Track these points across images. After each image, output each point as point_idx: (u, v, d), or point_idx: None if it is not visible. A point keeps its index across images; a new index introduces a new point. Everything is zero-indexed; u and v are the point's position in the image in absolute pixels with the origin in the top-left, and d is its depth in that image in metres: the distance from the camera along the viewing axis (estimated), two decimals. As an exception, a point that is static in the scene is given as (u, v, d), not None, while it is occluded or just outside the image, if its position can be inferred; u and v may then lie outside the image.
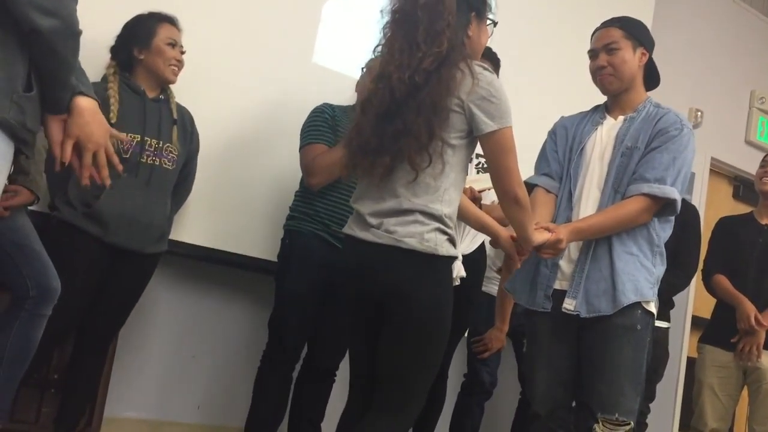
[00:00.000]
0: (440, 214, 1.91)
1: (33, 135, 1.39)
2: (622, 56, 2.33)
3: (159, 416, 3.12)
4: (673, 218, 2.33)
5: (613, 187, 2.27)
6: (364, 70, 2.81)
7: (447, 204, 1.92)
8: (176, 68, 2.60)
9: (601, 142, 2.34)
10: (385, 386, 1.96)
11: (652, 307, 2.26)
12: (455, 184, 1.95)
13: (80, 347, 2.58)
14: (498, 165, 1.94)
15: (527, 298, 2.35)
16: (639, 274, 2.22)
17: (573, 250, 2.28)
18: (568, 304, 2.24)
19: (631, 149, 2.27)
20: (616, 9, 2.81)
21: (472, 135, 1.94)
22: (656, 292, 2.28)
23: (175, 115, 2.63)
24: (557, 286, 2.28)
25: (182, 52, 2.62)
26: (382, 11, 1.97)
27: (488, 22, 2.04)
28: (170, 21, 2.61)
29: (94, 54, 2.55)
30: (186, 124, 2.70)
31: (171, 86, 2.67)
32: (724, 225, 3.63)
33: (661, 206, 2.24)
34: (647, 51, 2.38)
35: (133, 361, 3.04)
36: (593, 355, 2.24)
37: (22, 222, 2.29)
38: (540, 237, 2.13)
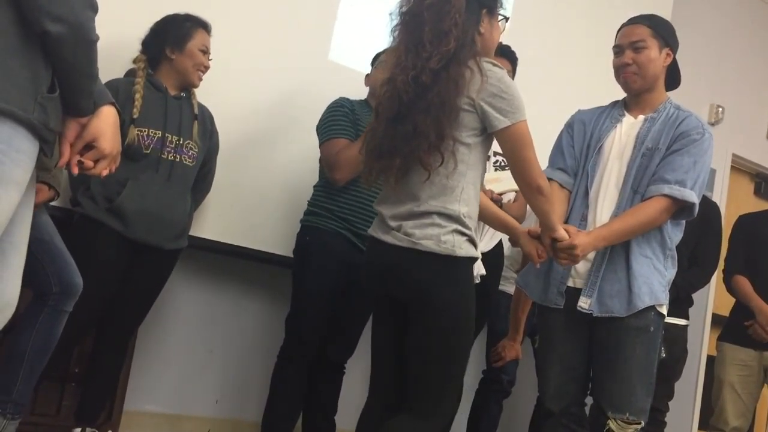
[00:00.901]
0: (458, 215, 1.91)
1: (54, 135, 1.42)
2: (648, 55, 2.30)
3: (177, 410, 3.15)
4: (684, 221, 2.31)
5: (632, 187, 2.25)
6: (374, 66, 2.82)
7: (465, 203, 1.93)
8: (202, 73, 2.65)
9: (620, 140, 2.32)
10: (413, 389, 1.97)
11: (664, 310, 2.25)
12: (473, 183, 1.96)
13: (101, 342, 2.61)
14: (517, 159, 1.95)
15: (540, 293, 2.34)
16: (653, 278, 2.22)
17: None
18: (583, 303, 2.22)
19: (651, 150, 2.25)
20: (635, 4, 2.79)
21: (487, 132, 1.94)
22: (668, 295, 2.27)
23: (196, 111, 2.66)
24: (570, 283, 2.27)
25: (209, 59, 2.67)
26: (391, 14, 1.98)
27: (500, 18, 2.04)
28: (206, 28, 2.66)
29: (123, 47, 2.61)
30: (206, 122, 2.72)
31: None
32: (744, 223, 3.59)
33: (678, 209, 2.22)
34: (672, 52, 2.34)
35: (152, 356, 3.07)
36: (605, 354, 2.23)
37: (43, 219, 2.31)
38: (562, 232, 2.13)
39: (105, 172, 1.51)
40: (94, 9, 1.38)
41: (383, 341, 2.08)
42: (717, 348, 3.56)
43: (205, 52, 2.64)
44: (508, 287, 3.21)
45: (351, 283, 2.70)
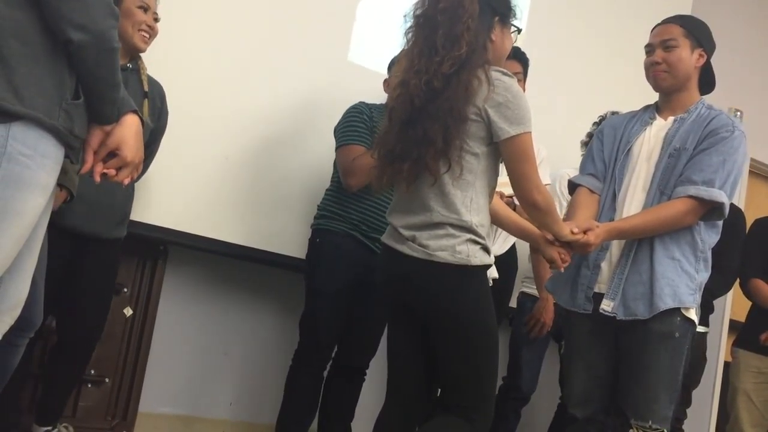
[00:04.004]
0: (470, 225, 1.91)
1: (80, 141, 1.44)
2: (678, 54, 2.27)
3: (192, 412, 3.15)
4: (720, 223, 2.26)
5: (659, 188, 2.22)
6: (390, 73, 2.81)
7: (476, 212, 1.93)
8: (146, 35, 2.43)
9: (649, 142, 2.29)
10: (451, 394, 1.98)
11: (692, 314, 2.20)
12: (482, 192, 1.95)
13: (59, 350, 2.46)
14: (515, 171, 1.94)
15: (567, 298, 2.32)
16: (679, 280, 2.17)
17: (615, 252, 2.25)
18: (606, 305, 2.20)
19: (679, 150, 2.22)
20: (653, 7, 2.77)
21: (495, 142, 1.93)
22: (698, 299, 2.21)
23: (145, 88, 2.45)
24: (597, 288, 2.25)
25: (156, 20, 2.47)
26: (405, 16, 1.98)
27: (513, 29, 2.04)
28: None
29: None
30: (156, 100, 2.51)
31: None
32: (759, 227, 3.56)
33: (708, 210, 2.18)
34: (706, 53, 2.31)
35: (167, 358, 3.08)
36: (629, 359, 2.21)
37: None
38: (574, 236, 2.11)
39: (127, 181, 1.53)
40: (116, 17, 1.41)
41: (400, 346, 2.08)
42: (732, 354, 3.53)
43: (146, 9, 2.42)
44: (533, 289, 3.16)
45: (365, 285, 2.69)
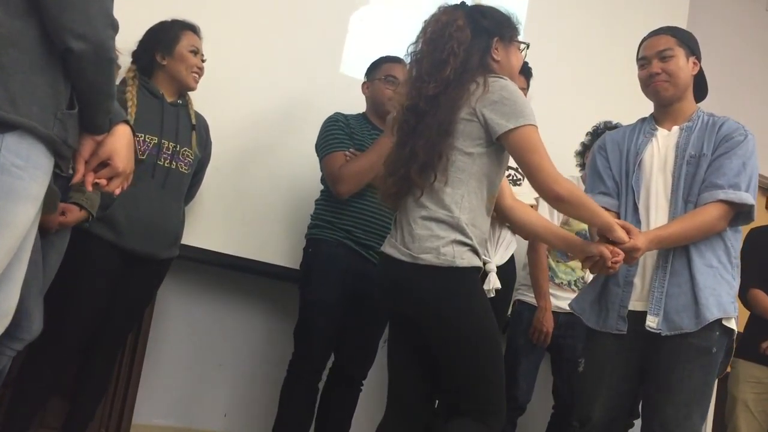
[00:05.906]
0: (458, 222, 1.90)
1: (72, 151, 1.44)
2: (676, 63, 2.26)
3: (186, 423, 3.13)
4: (741, 228, 2.23)
5: (683, 197, 2.18)
6: (370, 78, 2.82)
7: (467, 211, 1.92)
8: (197, 75, 2.62)
9: (660, 152, 2.26)
10: (461, 402, 1.95)
11: (733, 324, 2.15)
12: (478, 193, 1.94)
13: (90, 353, 2.53)
14: (525, 165, 1.93)
15: (596, 319, 2.25)
16: (721, 288, 2.13)
17: (648, 265, 2.19)
18: (651, 322, 2.13)
19: (696, 157, 2.19)
20: (650, 18, 2.78)
21: (495, 144, 1.93)
22: (737, 306, 2.17)
23: (194, 121, 2.63)
24: (631, 307, 2.19)
25: (203, 60, 2.64)
26: (405, 56, 2.06)
27: (521, 47, 2.07)
28: (193, 29, 2.64)
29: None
30: (202, 131, 2.68)
31: (192, 93, 2.66)
32: (756, 236, 3.57)
33: (734, 215, 2.16)
34: (698, 61, 2.31)
35: (161, 369, 3.06)
36: (663, 374, 2.13)
37: (45, 252, 2.18)
38: (621, 233, 2.06)
39: (118, 191, 1.54)
40: (115, 28, 1.42)
41: (400, 354, 2.07)
42: (731, 364, 3.52)
43: (196, 52, 2.61)
44: (528, 297, 3.15)
45: (360, 294, 2.68)
